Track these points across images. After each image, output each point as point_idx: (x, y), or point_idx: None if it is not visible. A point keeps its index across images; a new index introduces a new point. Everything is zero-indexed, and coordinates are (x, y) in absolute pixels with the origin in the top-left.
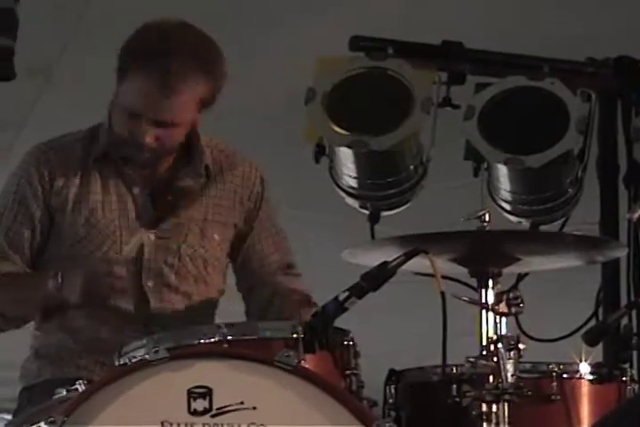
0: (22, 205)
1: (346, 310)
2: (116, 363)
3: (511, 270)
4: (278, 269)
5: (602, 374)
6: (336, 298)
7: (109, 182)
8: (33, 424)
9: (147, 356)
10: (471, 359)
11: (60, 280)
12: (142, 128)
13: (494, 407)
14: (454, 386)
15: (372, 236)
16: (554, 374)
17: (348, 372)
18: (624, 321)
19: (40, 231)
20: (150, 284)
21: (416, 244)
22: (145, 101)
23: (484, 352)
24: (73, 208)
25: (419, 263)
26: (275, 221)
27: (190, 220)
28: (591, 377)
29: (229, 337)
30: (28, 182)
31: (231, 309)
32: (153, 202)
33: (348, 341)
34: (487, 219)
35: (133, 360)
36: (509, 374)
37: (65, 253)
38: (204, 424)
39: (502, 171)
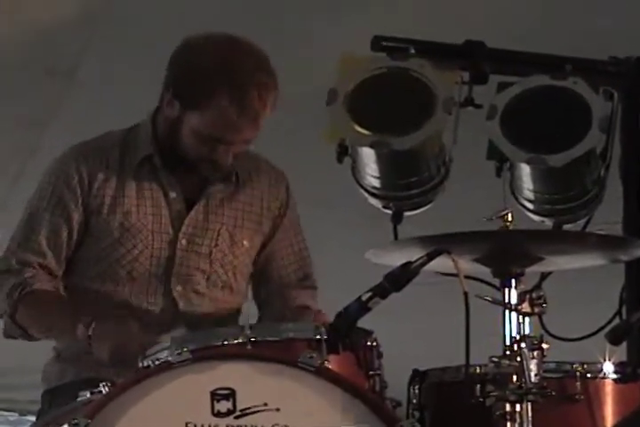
0: (59, 205)
1: (369, 310)
2: (140, 365)
3: (534, 270)
4: (295, 281)
5: (626, 374)
6: (359, 298)
7: (145, 187)
8: (57, 426)
9: (170, 358)
10: (495, 359)
11: (90, 332)
12: (222, 149)
13: (518, 407)
14: (478, 386)
15: (395, 236)
16: (577, 373)
17: (371, 372)
18: None
19: (77, 232)
20: (179, 289)
21: (439, 244)
22: (229, 128)
23: (508, 352)
24: (109, 211)
25: (442, 263)
26: (297, 229)
27: (221, 225)
28: (615, 376)
29: (252, 338)
30: (66, 183)
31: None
32: (186, 207)
33: (372, 341)
34: (510, 218)
35: (156, 362)
36: (533, 374)
37: (97, 255)
38: (227, 426)
39: (525, 170)
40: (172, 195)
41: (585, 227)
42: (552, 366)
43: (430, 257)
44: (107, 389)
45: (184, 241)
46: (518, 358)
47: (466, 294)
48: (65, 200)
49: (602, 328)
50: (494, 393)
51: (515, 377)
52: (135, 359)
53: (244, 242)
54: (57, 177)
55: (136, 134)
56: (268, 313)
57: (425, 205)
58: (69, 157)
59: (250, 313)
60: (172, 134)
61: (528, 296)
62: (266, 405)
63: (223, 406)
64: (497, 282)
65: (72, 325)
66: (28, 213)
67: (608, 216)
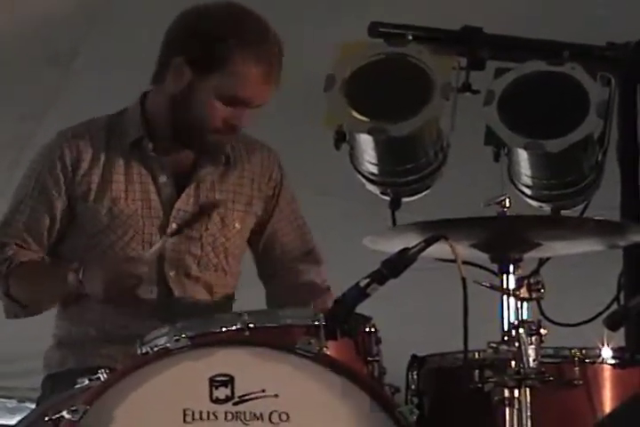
0: (43, 193)
1: (367, 296)
2: (138, 352)
3: (532, 255)
4: (300, 256)
5: (624, 359)
6: (357, 284)
7: (133, 171)
8: (55, 413)
9: (168, 344)
10: (493, 345)
11: (80, 275)
12: (240, 113)
13: (516, 393)
14: (476, 372)
15: (394, 222)
16: (576, 358)
17: (369, 358)
18: None
19: (60, 220)
20: (172, 274)
21: (437, 230)
22: (252, 89)
23: (506, 338)
24: (95, 197)
25: (440, 249)
26: (294, 207)
27: None
28: (613, 362)
29: (251, 325)
30: (50, 171)
31: (250, 296)
32: (177, 191)
33: (370, 327)
34: (507, 204)
35: (155, 349)
36: (531, 360)
37: (86, 243)
38: (226, 412)
39: (523, 156)
40: (162, 179)
41: (583, 212)
42: (550, 351)
43: (428, 243)
44: (105, 375)
45: (174, 225)
46: (516, 344)
47: (464, 279)
48: (48, 188)
49: (600, 314)
50: (493, 379)
51: (513, 363)
52: (129, 291)
53: (236, 224)
54: (42, 165)
55: (123, 119)
56: (276, 288)
57: (423, 191)
58: (55, 144)
59: (244, 299)
60: (179, 107)
61: (526, 282)
62: (264, 391)
63: (222, 392)
64: (495, 268)
65: (62, 275)
66: (13, 201)
67: (606, 201)
